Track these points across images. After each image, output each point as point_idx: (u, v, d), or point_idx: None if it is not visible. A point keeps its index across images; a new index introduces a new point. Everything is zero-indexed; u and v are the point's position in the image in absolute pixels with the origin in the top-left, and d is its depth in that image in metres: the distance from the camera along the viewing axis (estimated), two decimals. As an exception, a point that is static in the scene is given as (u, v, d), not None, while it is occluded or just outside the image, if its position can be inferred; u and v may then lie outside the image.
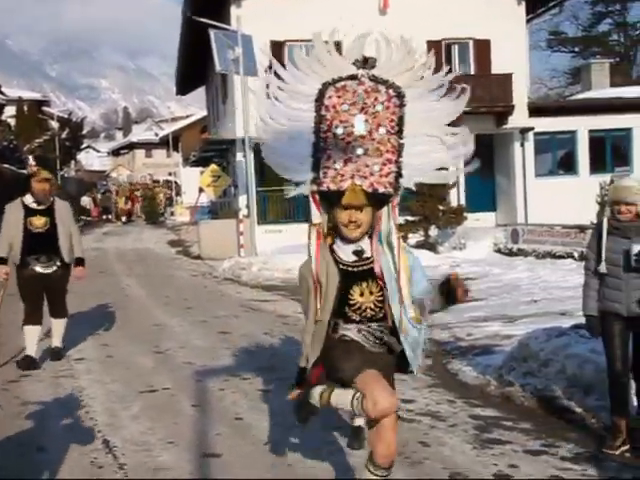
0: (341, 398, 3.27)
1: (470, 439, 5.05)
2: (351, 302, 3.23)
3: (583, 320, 5.04)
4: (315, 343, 3.31)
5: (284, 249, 17.99)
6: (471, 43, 22.26)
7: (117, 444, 5.10)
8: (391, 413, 3.15)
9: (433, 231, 18.36)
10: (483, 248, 17.64)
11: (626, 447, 4.67)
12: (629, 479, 4.30)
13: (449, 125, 3.33)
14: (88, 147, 71.33)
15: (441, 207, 17.96)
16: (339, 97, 3.19)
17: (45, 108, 44.43)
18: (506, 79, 21.47)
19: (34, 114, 37.82)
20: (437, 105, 3.30)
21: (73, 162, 53.83)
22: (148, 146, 66.35)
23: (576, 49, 47.95)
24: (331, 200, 3.21)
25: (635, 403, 4.86)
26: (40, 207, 7.35)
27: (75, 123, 46.13)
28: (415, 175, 3.27)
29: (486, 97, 20.76)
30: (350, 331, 3.28)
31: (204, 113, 41.16)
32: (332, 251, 3.27)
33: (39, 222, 7.33)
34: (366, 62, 3.21)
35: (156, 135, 61.88)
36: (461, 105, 3.32)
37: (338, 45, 3.26)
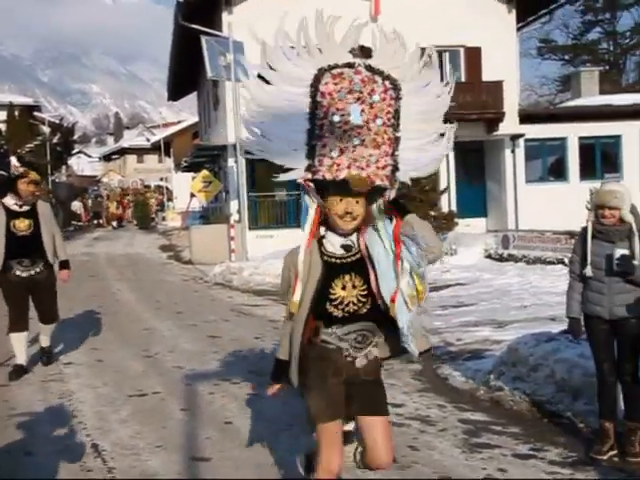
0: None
1: (459, 443, 5.06)
2: (332, 297, 3.12)
3: (570, 324, 5.06)
4: (292, 340, 3.27)
5: (275, 254, 17.94)
6: (462, 50, 22.35)
7: (106, 448, 5.09)
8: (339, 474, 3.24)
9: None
10: (474, 254, 17.67)
11: (614, 452, 4.69)
12: (617, 483, 4.31)
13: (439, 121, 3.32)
14: (79, 152, 71.11)
15: (432, 212, 18.01)
16: (335, 84, 3.09)
17: (36, 113, 44.27)
18: (497, 86, 21.57)
19: (25, 119, 37.70)
20: (430, 100, 3.27)
21: (64, 167, 53.67)
22: (139, 151, 66.22)
23: (566, 57, 48.22)
24: (324, 190, 3.13)
25: (622, 407, 4.87)
26: (23, 209, 7.13)
27: (66, 128, 45.99)
28: (411, 169, 3.22)
29: (477, 104, 20.86)
30: (331, 337, 3.19)
31: (196, 119, 41.14)
32: (320, 243, 3.20)
33: (23, 225, 7.10)
34: (363, 51, 3.14)
35: (147, 140, 61.76)
36: (448, 99, 3.31)
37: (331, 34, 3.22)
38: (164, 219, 44.87)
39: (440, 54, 3.39)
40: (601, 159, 23.37)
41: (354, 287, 3.12)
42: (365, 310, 3.14)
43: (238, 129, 18.79)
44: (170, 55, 27.08)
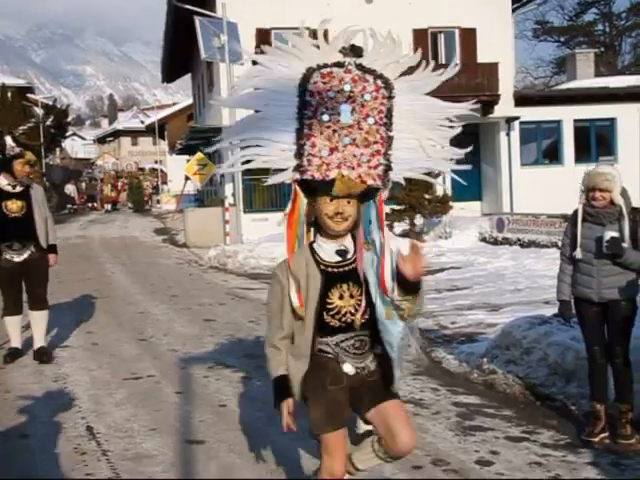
0: (364, 458, 3.23)
1: (452, 426, 5.09)
2: (329, 306, 3.01)
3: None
4: (292, 353, 3.11)
5: (270, 237, 17.97)
6: (457, 32, 22.25)
7: (101, 430, 5.11)
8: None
9: (419, 220, 18.41)
10: (468, 237, 17.71)
11: (605, 434, 4.73)
12: (607, 465, 4.34)
13: (442, 126, 3.26)
14: (73, 135, 70.92)
15: (427, 196, 18.00)
16: (325, 83, 3.04)
17: (29, 95, 44.00)
18: (492, 68, 21.51)
19: (18, 101, 37.44)
20: (425, 101, 3.22)
21: (58, 150, 53.44)
22: (134, 134, 65.94)
23: (561, 39, 48.07)
24: (313, 191, 3.05)
25: (613, 390, 4.91)
26: (16, 190, 6.98)
27: (60, 110, 45.69)
28: (406, 169, 3.18)
29: (472, 86, 20.79)
30: (328, 346, 3.08)
31: (190, 101, 40.97)
32: (312, 250, 3.07)
33: (15, 206, 6.95)
34: (353, 50, 3.10)
35: (142, 123, 61.46)
36: (449, 106, 3.27)
37: (325, 34, 3.18)
38: (159, 202, 44.74)
39: (435, 35, 3.32)
40: (596, 142, 23.38)
41: (352, 297, 3.02)
42: (363, 320, 3.05)
43: (233, 111, 18.73)
44: (164, 36, 26.90)
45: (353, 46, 3.10)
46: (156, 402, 5.79)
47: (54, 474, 4.37)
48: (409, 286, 2.92)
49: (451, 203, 18.48)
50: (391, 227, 17.40)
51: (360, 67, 3.09)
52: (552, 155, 23.56)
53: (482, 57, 21.98)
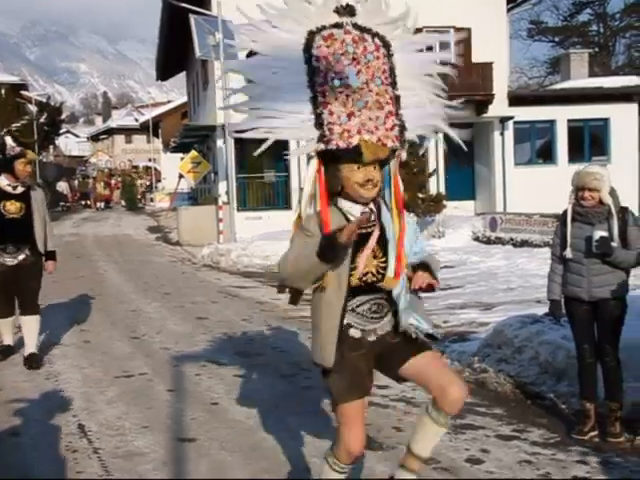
0: (425, 437, 3.10)
1: (443, 424, 5.10)
2: (352, 265, 2.95)
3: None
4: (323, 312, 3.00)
5: (263, 236, 18.00)
6: (452, 31, 22.26)
7: (92, 428, 5.11)
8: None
9: (412, 219, 18.41)
10: (462, 236, 17.74)
11: (595, 432, 4.76)
12: (597, 463, 4.37)
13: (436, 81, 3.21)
14: (67, 132, 70.67)
15: (420, 195, 18.02)
16: (328, 47, 2.91)
17: (23, 92, 43.88)
18: (486, 68, 21.54)
19: (12, 98, 37.36)
20: (421, 57, 3.18)
21: (52, 147, 53.29)
22: (128, 132, 65.78)
23: (556, 39, 48.13)
24: (335, 160, 2.94)
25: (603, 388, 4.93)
26: (16, 191, 6.84)
27: (54, 107, 45.56)
28: (416, 127, 3.11)
29: (466, 85, 20.80)
30: (351, 303, 3.00)
31: (185, 99, 40.90)
32: (341, 212, 3.00)
33: (14, 207, 6.81)
34: (347, 9, 2.98)
35: (136, 121, 61.27)
36: (444, 55, 3.25)
37: None
38: (152, 200, 44.63)
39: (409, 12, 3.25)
40: (589, 142, 23.44)
41: (375, 257, 2.97)
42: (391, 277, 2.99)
43: (228, 111, 18.70)
44: (159, 34, 26.86)
45: (347, 4, 3.00)
46: (148, 400, 5.79)
47: (45, 473, 4.37)
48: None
49: (444, 202, 18.52)
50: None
51: (357, 27, 2.99)
52: (546, 155, 23.62)
53: (477, 57, 22.00)
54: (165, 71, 32.96)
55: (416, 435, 3.12)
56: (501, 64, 22.01)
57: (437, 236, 17.89)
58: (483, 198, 23.20)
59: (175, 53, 27.78)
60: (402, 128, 3.03)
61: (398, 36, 3.10)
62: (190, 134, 25.15)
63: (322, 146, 2.92)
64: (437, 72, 3.21)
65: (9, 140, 7.02)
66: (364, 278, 2.97)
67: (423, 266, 3.06)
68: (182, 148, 28.80)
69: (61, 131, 51.44)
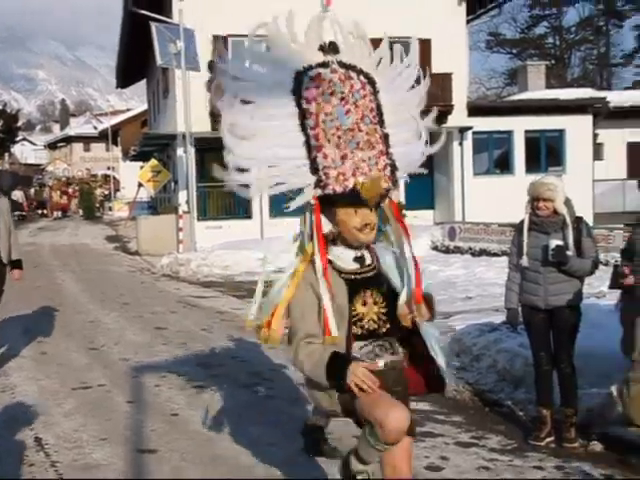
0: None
1: (403, 432, 5.13)
2: (353, 314, 2.87)
3: (513, 315, 5.19)
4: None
5: (223, 245, 17.95)
6: (416, 42, 22.48)
7: (49, 441, 5.04)
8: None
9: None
10: (421, 245, 17.85)
11: (551, 438, 4.85)
12: (552, 468, 4.44)
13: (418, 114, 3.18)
14: (23, 140, 69.56)
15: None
16: (317, 87, 2.81)
17: (-22, 99, 43.23)
18: (446, 78, 21.78)
19: (-34, 105, 36.73)
20: (405, 94, 3.14)
21: (7, 155, 52.42)
22: (86, 140, 64.93)
23: (514, 51, 49.03)
24: (332, 204, 2.86)
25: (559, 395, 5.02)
26: None
27: (10, 115, 44.95)
28: (406, 165, 3.04)
29: (426, 96, 21.01)
30: (352, 350, 2.88)
31: (145, 107, 40.59)
32: (329, 262, 2.90)
33: None
34: (331, 46, 2.90)
35: (95, 129, 60.59)
36: (423, 91, 3.21)
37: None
38: (111, 209, 44.18)
39: (391, 45, 3.21)
40: (546, 153, 23.83)
41: (375, 303, 2.91)
42: (385, 329, 2.93)
43: (188, 118, 18.65)
44: (119, 41, 26.63)
45: (331, 42, 2.92)
46: (106, 412, 5.73)
47: (0, 486, 4.30)
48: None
49: (403, 211, 18.59)
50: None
51: (342, 64, 2.91)
52: (503, 165, 23.95)
53: (437, 67, 22.24)
54: (125, 78, 32.69)
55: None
56: (460, 75, 22.28)
57: (397, 245, 18.00)
58: (442, 208, 23.43)
59: (135, 60, 27.58)
60: (393, 167, 2.97)
61: (381, 72, 3.04)
62: (150, 143, 24.97)
63: (319, 191, 2.83)
64: (421, 106, 3.17)
65: None
66: (366, 325, 2.90)
67: (425, 299, 2.96)
68: (142, 157, 28.57)
69: (17, 139, 50.68)
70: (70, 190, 49.37)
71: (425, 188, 23.38)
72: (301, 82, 2.81)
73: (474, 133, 22.78)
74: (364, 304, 2.89)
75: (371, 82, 2.98)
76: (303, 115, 2.82)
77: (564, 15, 49.07)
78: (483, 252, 16.04)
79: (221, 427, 5.18)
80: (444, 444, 4.90)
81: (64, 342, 8.47)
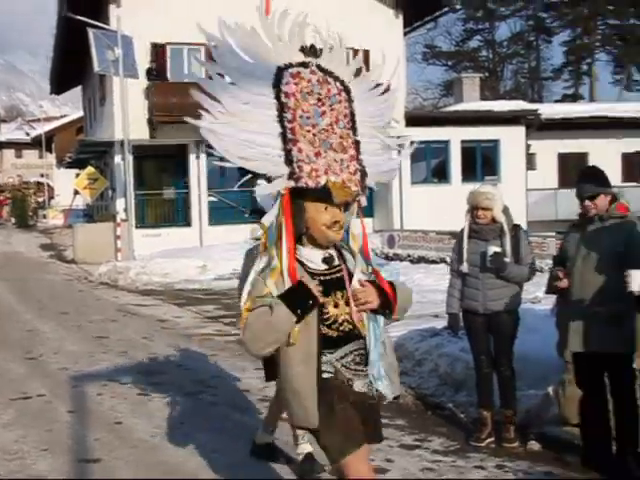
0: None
1: (348, 436, 5.20)
2: (325, 316, 2.81)
3: (454, 320, 5.32)
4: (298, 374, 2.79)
5: (162, 253, 17.78)
6: (352, 53, 22.74)
7: (-12, 453, 4.93)
8: None
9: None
10: (361, 253, 18.05)
11: (492, 439, 4.98)
12: (493, 468, 4.58)
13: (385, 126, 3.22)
14: (-49, 145, 67.27)
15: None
16: (296, 84, 2.85)
17: None
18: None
19: None
20: (375, 108, 3.17)
21: None
22: (18, 146, 63.31)
23: (449, 63, 50.04)
24: (303, 200, 2.83)
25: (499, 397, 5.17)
26: None
27: (-63, 120, 43.47)
28: (375, 173, 3.06)
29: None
30: (326, 364, 2.81)
31: (80, 113, 39.86)
32: (299, 262, 2.85)
33: None
34: (312, 49, 2.94)
35: (27, 135, 59.19)
36: (392, 106, 3.27)
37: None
38: (45, 217, 43.19)
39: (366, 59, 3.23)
40: (482, 162, 24.34)
41: (347, 304, 2.85)
42: (358, 331, 2.85)
43: (126, 125, 18.44)
44: (54, 46, 26.11)
45: (311, 45, 2.96)
46: (47, 422, 5.63)
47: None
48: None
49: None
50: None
51: (320, 68, 2.96)
52: (440, 174, 24.36)
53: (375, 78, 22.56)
54: (60, 84, 32.04)
55: None
56: (398, 86, 22.57)
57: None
58: (381, 215, 23.67)
59: (71, 66, 27.08)
60: (363, 174, 2.97)
61: (356, 83, 3.08)
62: (86, 150, 24.54)
63: (292, 183, 2.81)
64: (388, 121, 3.24)
65: None
66: (341, 327, 2.84)
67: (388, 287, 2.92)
68: (78, 164, 28.05)
69: (-56, 144, 49.03)
70: (1, 197, 48.08)
71: (364, 196, 23.59)
72: (281, 77, 2.85)
73: (412, 143, 23.10)
74: (336, 306, 2.84)
75: (347, 90, 3.03)
76: (281, 108, 2.83)
77: (496, 29, 50.40)
78: (422, 259, 16.29)
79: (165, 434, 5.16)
80: (388, 447, 4.97)
81: (1, 352, 8.27)
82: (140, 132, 19.81)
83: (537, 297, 8.65)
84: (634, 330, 4.29)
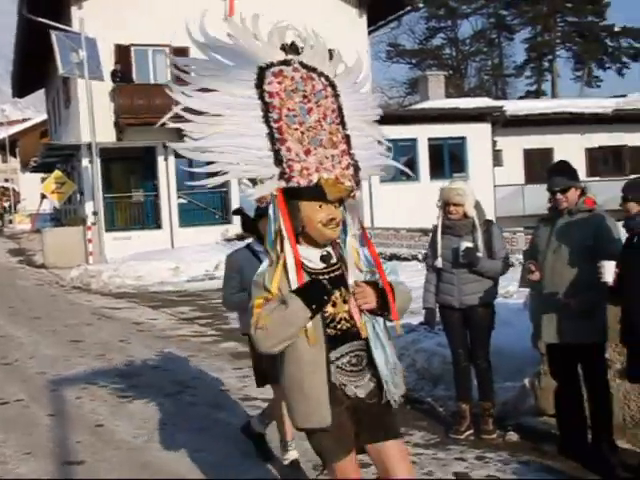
0: None
1: (329, 432, 5.26)
2: (324, 315, 2.77)
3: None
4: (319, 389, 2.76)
5: (134, 256, 17.68)
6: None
7: (-30, 459, 4.91)
8: None
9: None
10: (332, 251, 18.14)
11: (471, 431, 5.08)
12: (473, 459, 4.67)
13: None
14: None
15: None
16: (279, 83, 2.83)
17: None
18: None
19: None
20: (362, 100, 3.17)
21: None
22: (-20, 150, 62.40)
23: (413, 61, 50.40)
24: (296, 198, 2.79)
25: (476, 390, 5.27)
26: None
27: None
28: (369, 167, 3.04)
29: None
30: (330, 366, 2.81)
31: (44, 117, 39.36)
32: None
33: None
34: (292, 48, 2.93)
35: (-11, 139, 58.26)
36: (376, 102, 3.28)
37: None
38: (11, 222, 42.61)
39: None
40: (449, 159, 24.57)
41: (345, 302, 2.81)
42: (357, 329, 2.82)
43: (92, 128, 18.30)
44: (15, 49, 25.75)
45: (292, 43, 2.94)
46: (27, 426, 5.62)
47: None
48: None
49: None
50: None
51: (303, 65, 2.94)
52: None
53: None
54: (22, 87, 31.62)
55: None
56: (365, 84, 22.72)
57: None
58: (351, 214, 23.78)
59: (33, 69, 26.75)
60: (356, 168, 2.94)
61: (340, 78, 3.07)
62: (52, 153, 24.27)
63: (284, 184, 2.78)
64: (375, 115, 3.21)
65: None
66: (339, 326, 2.81)
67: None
68: (44, 168, 27.76)
69: None
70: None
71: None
72: (264, 77, 2.83)
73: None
74: (333, 305, 2.79)
75: (332, 85, 3.01)
76: (266, 109, 2.81)
77: (459, 27, 50.93)
78: (394, 257, 16.40)
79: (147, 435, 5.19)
80: (370, 441, 5.04)
81: (-26, 359, 8.21)
82: (106, 135, 19.66)
83: (509, 291, 8.80)
84: (605, 321, 4.44)
